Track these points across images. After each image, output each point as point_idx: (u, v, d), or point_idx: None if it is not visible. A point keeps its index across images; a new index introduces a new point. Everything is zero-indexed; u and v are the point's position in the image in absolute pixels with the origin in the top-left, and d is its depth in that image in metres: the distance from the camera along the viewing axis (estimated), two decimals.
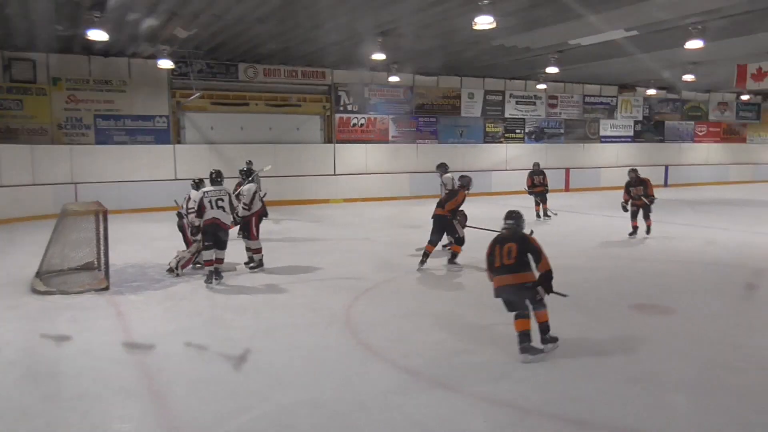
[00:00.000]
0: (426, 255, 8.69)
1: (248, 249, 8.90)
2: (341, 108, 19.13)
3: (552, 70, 16.75)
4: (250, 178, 10.37)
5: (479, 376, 4.77)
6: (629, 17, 11.55)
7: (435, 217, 8.78)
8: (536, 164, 14.76)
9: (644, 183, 11.25)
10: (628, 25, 12.27)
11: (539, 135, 22.82)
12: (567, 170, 22.85)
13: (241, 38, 13.92)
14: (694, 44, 12.54)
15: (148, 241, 11.20)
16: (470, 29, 10.89)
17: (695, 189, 24.02)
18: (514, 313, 5.12)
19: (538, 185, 14.14)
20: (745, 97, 26.56)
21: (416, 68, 19.01)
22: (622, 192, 11.58)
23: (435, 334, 5.86)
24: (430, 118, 20.63)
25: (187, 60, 16.01)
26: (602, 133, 24.18)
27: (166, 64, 14.34)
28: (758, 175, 27.54)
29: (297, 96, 18.46)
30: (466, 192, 8.90)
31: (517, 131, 22.38)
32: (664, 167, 25.26)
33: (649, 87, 23.69)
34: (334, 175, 19.06)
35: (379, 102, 19.75)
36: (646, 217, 11.25)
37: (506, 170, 22.08)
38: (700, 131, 26.77)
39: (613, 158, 24.07)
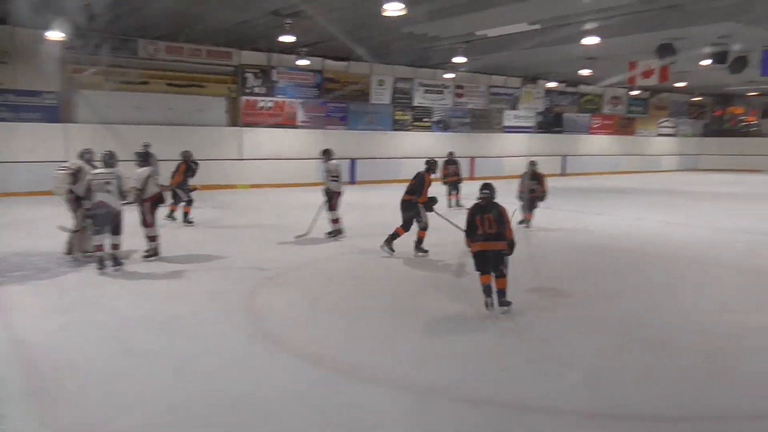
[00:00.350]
0: (395, 236, 8.70)
1: (146, 236, 8.47)
2: (248, 90, 18.59)
3: (459, 59, 17.09)
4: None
5: (381, 361, 4.79)
6: (532, 11, 11.96)
7: (404, 202, 8.74)
8: (450, 153, 14.98)
9: (539, 178, 11.53)
10: (531, 18, 12.70)
11: (446, 124, 23.29)
12: (472, 159, 23.48)
13: (141, 12, 13.14)
14: (590, 40, 13.22)
15: (34, 227, 10.40)
16: (380, 15, 10.85)
17: (590, 178, 25.45)
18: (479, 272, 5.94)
19: (452, 174, 14.37)
20: (635, 92, 28.44)
21: (326, 53, 18.78)
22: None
23: (339, 320, 5.83)
24: (340, 103, 20.50)
25: (82, 32, 14.94)
26: (506, 123, 25.04)
27: (56, 35, 13.27)
28: (645, 166, 29.60)
29: (201, 76, 17.73)
30: (432, 176, 8.92)
31: (425, 120, 22.71)
32: (562, 157, 26.57)
33: (549, 80, 24.77)
34: (241, 159, 18.54)
35: (287, 85, 19.37)
36: (530, 210, 11.46)
37: (415, 158, 22.38)
38: (595, 123, 28.35)
39: (515, 148, 25.00)
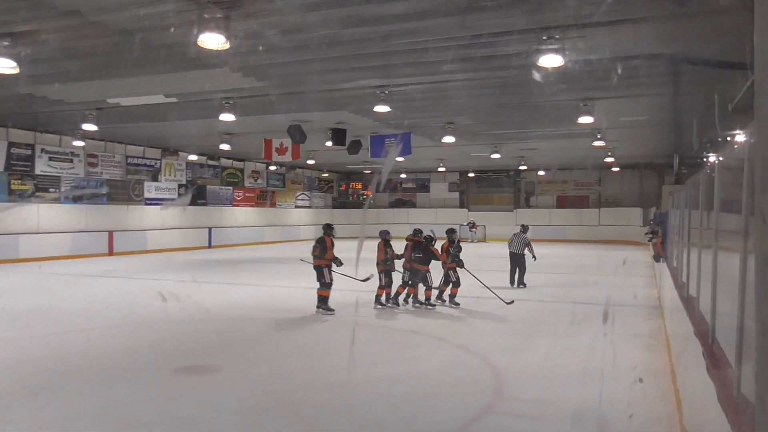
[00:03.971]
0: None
1: None
2: None
3: (90, 127, 15.81)
4: None
5: None
6: (168, 84, 11.87)
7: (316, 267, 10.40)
8: (385, 233, 11.20)
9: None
10: (167, 91, 12.59)
11: (78, 195, 21.13)
12: (110, 233, 21.71)
13: None
14: (227, 117, 13.76)
15: None
16: None
17: (236, 249, 26.03)
18: None
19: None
20: (273, 168, 30.58)
21: None
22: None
23: None
24: None
25: None
26: (147, 195, 24.00)
27: None
28: (286, 236, 31.69)
29: None
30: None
31: (52, 190, 20.21)
32: (207, 229, 26.63)
33: (191, 152, 24.86)
34: None
35: None
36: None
37: (38, 233, 19.58)
38: (238, 196, 29.38)
39: (158, 221, 24.08)
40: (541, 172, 32.95)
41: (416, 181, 36.93)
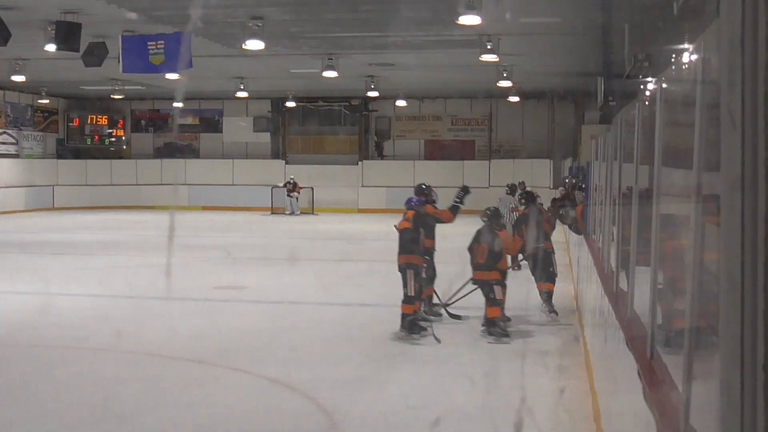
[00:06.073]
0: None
1: None
2: None
3: None
4: None
5: None
6: None
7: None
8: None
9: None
10: None
11: None
12: None
13: None
14: None
15: None
16: None
17: None
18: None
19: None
20: None
21: None
22: None
23: None
24: None
25: None
26: None
27: None
28: None
29: None
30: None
31: None
32: None
33: None
34: None
35: None
36: None
37: None
38: None
39: None
40: (401, 102, 24.27)
41: (200, 114, 27.39)
